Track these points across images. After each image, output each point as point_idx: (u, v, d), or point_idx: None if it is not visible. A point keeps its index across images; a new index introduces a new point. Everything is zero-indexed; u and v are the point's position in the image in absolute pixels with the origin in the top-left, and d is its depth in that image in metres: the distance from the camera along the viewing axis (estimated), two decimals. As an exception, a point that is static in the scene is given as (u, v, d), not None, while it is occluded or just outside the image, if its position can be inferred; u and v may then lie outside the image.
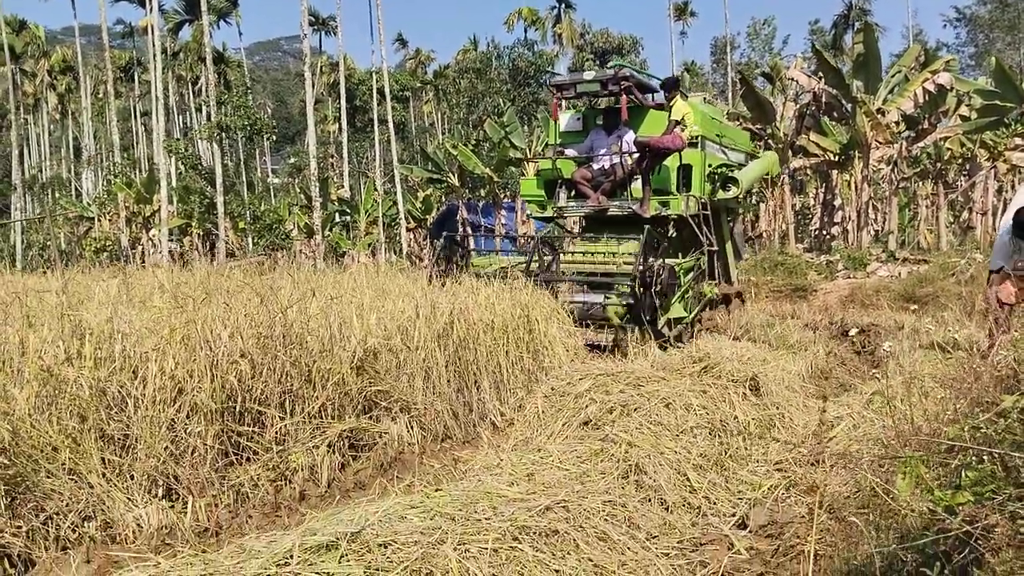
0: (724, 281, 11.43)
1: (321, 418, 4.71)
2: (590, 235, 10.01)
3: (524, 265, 8.74)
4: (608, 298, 8.28)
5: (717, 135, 10.68)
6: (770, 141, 24.67)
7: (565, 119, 10.72)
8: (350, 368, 4.98)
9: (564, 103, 10.49)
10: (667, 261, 8.77)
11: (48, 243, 32.60)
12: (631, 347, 7.52)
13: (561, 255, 9.53)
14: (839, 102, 22.51)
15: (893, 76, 22.73)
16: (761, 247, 25.73)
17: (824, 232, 26.66)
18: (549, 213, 10.23)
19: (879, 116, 21.26)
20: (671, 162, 9.53)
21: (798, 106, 24.61)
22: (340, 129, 43.90)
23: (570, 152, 10.22)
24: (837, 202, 26.71)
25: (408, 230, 32.80)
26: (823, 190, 27.45)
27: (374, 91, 40.95)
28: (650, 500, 3.95)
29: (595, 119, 10.34)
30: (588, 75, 9.67)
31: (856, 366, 8.01)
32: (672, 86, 9.49)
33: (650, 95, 10.17)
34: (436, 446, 5.15)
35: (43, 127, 61.59)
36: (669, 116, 9.25)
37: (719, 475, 4.36)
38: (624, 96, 9.31)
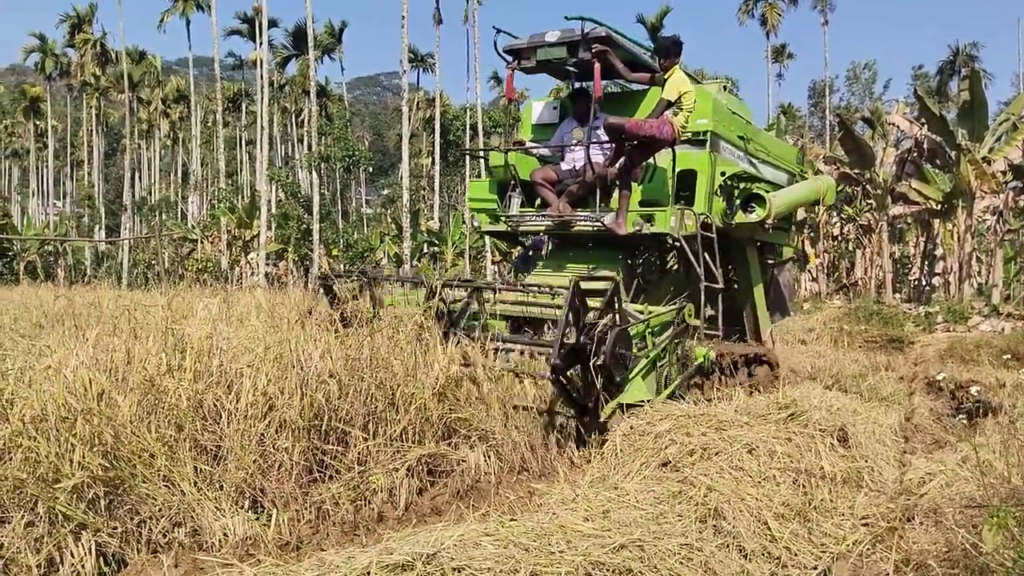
0: (752, 338, 9.13)
1: (402, 441, 4.79)
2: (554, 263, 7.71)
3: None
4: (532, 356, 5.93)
5: (740, 137, 8.14)
6: (868, 187, 24.03)
7: (539, 109, 8.38)
8: (432, 394, 5.06)
9: (529, 83, 8.02)
10: (627, 313, 5.91)
11: (153, 262, 34.30)
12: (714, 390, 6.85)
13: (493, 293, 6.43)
14: (942, 149, 21.76)
15: (1001, 124, 21.83)
16: (856, 295, 24.96)
17: (923, 283, 25.70)
18: (501, 227, 7.91)
19: (984, 165, 20.43)
20: (668, 164, 7.18)
21: (899, 152, 23.92)
22: (433, 163, 44.90)
23: (530, 145, 7.95)
24: (938, 252, 25.74)
25: (493, 263, 33.18)
26: (924, 239, 26.53)
27: (467, 127, 41.87)
28: (728, 546, 3.86)
29: (572, 109, 7.88)
30: (551, 36, 7.03)
31: (953, 423, 7.66)
32: (670, 50, 6.98)
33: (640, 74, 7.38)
34: (512, 477, 5.15)
35: (155, 152, 65.09)
36: (661, 93, 6.90)
37: (801, 526, 4.22)
38: (598, 65, 6.76)
